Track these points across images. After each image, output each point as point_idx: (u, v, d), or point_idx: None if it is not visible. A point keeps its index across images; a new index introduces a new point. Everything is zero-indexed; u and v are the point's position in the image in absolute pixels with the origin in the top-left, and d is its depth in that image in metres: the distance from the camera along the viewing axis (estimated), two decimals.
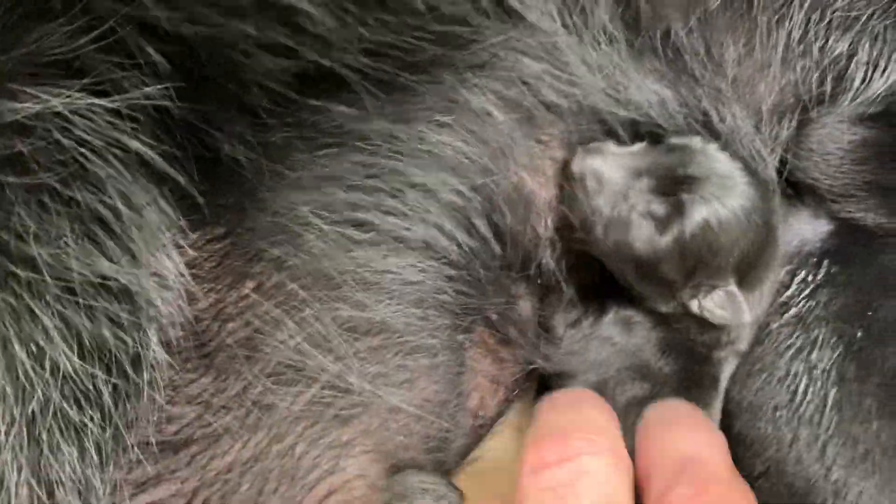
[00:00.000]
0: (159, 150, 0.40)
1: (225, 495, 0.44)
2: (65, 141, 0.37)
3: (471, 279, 0.48)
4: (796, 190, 0.59)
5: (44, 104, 0.36)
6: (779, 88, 0.56)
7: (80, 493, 0.37)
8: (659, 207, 0.49)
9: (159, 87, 0.38)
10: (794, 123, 0.56)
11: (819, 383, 0.53)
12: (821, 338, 0.54)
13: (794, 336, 0.54)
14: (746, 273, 0.51)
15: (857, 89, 0.56)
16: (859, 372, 0.53)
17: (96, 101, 0.37)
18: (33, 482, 0.35)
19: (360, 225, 0.45)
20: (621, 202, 0.49)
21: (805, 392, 0.53)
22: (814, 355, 0.54)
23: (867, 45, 0.56)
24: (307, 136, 0.44)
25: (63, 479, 0.36)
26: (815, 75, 0.56)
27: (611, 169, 0.50)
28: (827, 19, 0.55)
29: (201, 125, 0.42)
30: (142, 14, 0.39)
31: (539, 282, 0.53)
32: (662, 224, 0.48)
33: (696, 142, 0.51)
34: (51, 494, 0.36)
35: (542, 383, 0.56)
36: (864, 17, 0.56)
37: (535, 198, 0.51)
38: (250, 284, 0.45)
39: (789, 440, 0.53)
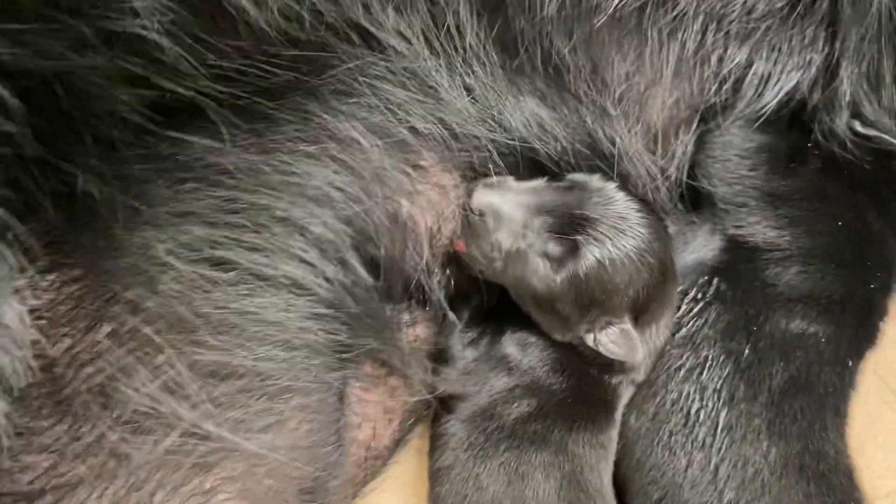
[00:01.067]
0: (7, 178, 0.38)
1: None
2: None
3: (343, 315, 0.47)
4: (694, 206, 0.57)
5: None
6: (672, 102, 0.54)
7: None
8: (555, 248, 0.49)
9: (12, 127, 0.36)
10: (690, 136, 0.55)
11: (710, 404, 0.53)
12: (710, 357, 0.53)
13: (685, 357, 0.54)
14: (642, 311, 0.51)
15: (750, 99, 0.55)
16: (747, 391, 0.53)
17: None
18: None
19: (219, 264, 0.44)
20: (520, 239, 0.49)
21: (697, 414, 0.53)
22: (704, 376, 0.53)
23: (764, 56, 0.55)
24: (165, 169, 0.43)
25: None
26: (714, 85, 0.55)
27: (510, 206, 0.49)
28: (724, 30, 0.54)
29: (56, 161, 0.41)
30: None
31: (426, 308, 0.52)
32: (558, 263, 0.49)
33: (594, 180, 0.51)
34: None
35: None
36: (761, 29, 0.54)
37: (415, 225, 0.49)
38: (105, 329, 0.43)
39: (684, 465, 0.52)
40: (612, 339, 0.50)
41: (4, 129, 0.39)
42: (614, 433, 0.54)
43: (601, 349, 0.50)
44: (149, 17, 0.39)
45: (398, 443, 0.54)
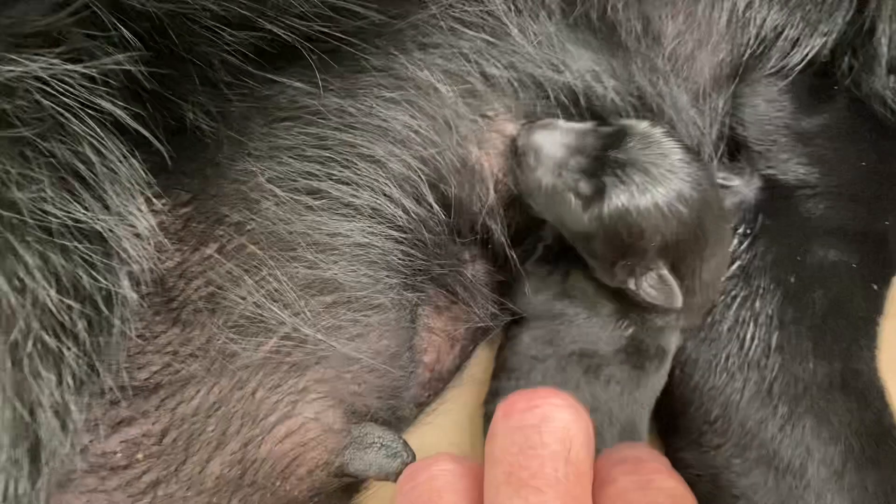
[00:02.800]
0: (130, 112, 0.44)
1: (192, 436, 0.48)
2: (44, 101, 0.42)
3: (418, 243, 0.53)
4: (734, 150, 0.63)
5: (24, 68, 0.41)
6: (718, 61, 0.60)
7: (58, 414, 0.41)
8: (585, 187, 0.52)
9: (127, 55, 0.43)
10: (730, 92, 0.60)
11: (763, 329, 0.57)
12: (762, 287, 0.58)
13: (739, 287, 0.58)
14: (677, 260, 0.54)
15: (777, 59, 0.60)
16: (795, 315, 0.57)
17: (71, 66, 0.42)
18: (16, 403, 0.40)
19: (313, 192, 0.50)
20: (556, 177, 0.53)
21: (752, 338, 0.57)
22: (757, 303, 0.57)
23: (797, 20, 0.60)
24: (264, 108, 0.49)
25: (43, 402, 0.41)
26: (753, 47, 0.60)
27: (551, 145, 0.53)
28: None
29: (168, 94, 0.47)
30: None
31: (488, 247, 0.58)
32: (586, 203, 0.52)
33: (642, 125, 0.53)
34: (32, 414, 0.40)
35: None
36: None
37: (482, 169, 0.55)
38: (213, 246, 0.49)
39: (741, 385, 0.56)
40: (650, 283, 0.53)
41: (126, 66, 0.46)
42: (664, 369, 0.58)
43: (641, 293, 0.54)
44: None
45: (458, 367, 0.60)
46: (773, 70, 0.61)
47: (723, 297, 0.58)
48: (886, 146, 0.61)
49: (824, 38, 0.61)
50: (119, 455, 0.47)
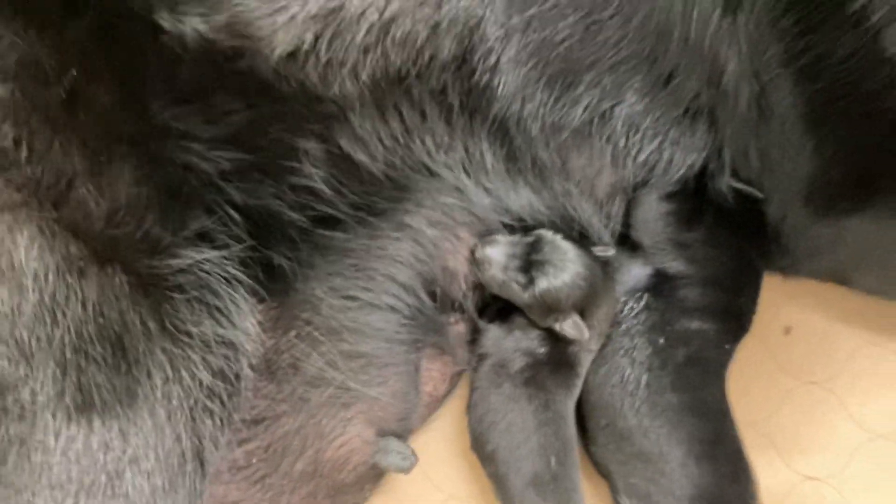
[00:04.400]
0: (244, 270, 0.76)
1: (285, 447, 0.81)
2: (199, 274, 0.73)
3: (416, 322, 0.84)
4: (632, 248, 0.92)
5: (191, 260, 0.72)
6: (611, 182, 0.88)
7: (213, 440, 0.73)
8: (522, 279, 0.84)
9: (241, 242, 0.74)
10: (622, 204, 0.89)
11: (638, 370, 0.87)
12: (638, 342, 0.88)
13: (622, 341, 0.88)
14: (583, 309, 0.85)
15: (661, 175, 0.88)
16: (661, 363, 0.87)
17: (214, 252, 0.74)
18: (193, 438, 0.71)
19: (351, 298, 0.81)
20: (503, 274, 0.85)
21: (629, 376, 0.87)
22: (634, 353, 0.87)
23: (668, 147, 0.88)
24: (320, 251, 0.80)
25: (205, 435, 0.72)
26: (637, 168, 0.88)
27: (496, 254, 0.84)
28: (641, 133, 0.87)
29: (263, 249, 0.79)
30: (231, 197, 0.75)
31: (463, 314, 0.89)
32: (524, 288, 0.84)
33: (548, 235, 0.85)
34: (201, 443, 0.72)
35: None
36: (664, 130, 0.87)
37: (457, 272, 0.86)
38: (293, 333, 0.81)
39: (620, 406, 0.87)
40: (567, 326, 0.84)
41: (236, 232, 0.77)
42: (579, 381, 0.88)
43: (563, 333, 0.84)
44: (315, 175, 0.76)
45: (448, 393, 0.92)
46: (659, 183, 0.89)
47: (612, 347, 0.88)
48: (740, 240, 0.90)
49: (694, 155, 0.89)
50: (242, 460, 0.80)
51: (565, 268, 0.83)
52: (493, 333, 0.90)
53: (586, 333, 0.85)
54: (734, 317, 0.89)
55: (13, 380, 0.66)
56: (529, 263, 0.84)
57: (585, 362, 0.89)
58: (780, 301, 0.98)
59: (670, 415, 0.85)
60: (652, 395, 0.86)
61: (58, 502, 0.66)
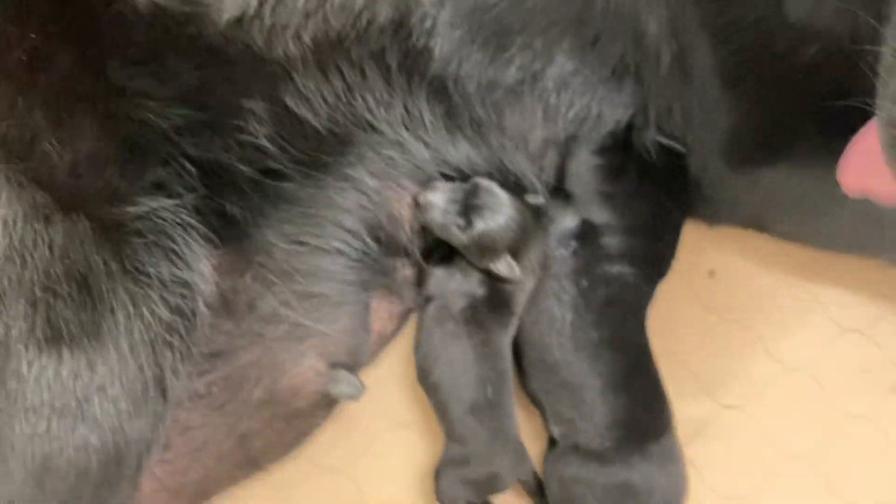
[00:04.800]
0: (198, 217, 0.83)
1: (242, 377, 0.89)
2: (156, 220, 0.81)
3: (364, 265, 0.92)
4: (563, 199, 0.99)
5: (147, 207, 0.80)
6: (542, 138, 0.95)
7: (174, 371, 0.80)
8: (461, 222, 0.91)
9: (194, 192, 0.82)
10: (554, 157, 0.96)
11: (563, 310, 0.94)
12: (565, 284, 0.95)
13: (552, 284, 0.96)
14: (516, 251, 0.93)
15: (590, 129, 0.95)
16: (585, 303, 0.94)
17: (170, 201, 0.81)
18: (154, 369, 0.79)
19: (301, 243, 0.89)
20: (444, 217, 0.92)
21: (556, 316, 0.95)
22: (561, 295, 0.95)
23: (595, 105, 0.94)
24: (271, 199, 0.88)
25: (166, 366, 0.79)
26: (567, 124, 0.95)
27: (437, 199, 0.92)
28: (571, 89, 0.93)
29: (215, 197, 0.86)
30: (185, 151, 0.82)
31: (409, 258, 0.96)
32: (462, 230, 0.92)
33: (484, 181, 0.93)
34: (162, 373, 0.79)
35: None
36: (592, 88, 0.94)
37: (402, 218, 0.94)
38: (248, 275, 0.89)
39: (547, 341, 0.95)
40: (501, 266, 0.92)
41: (189, 182, 0.84)
42: (514, 320, 0.96)
43: (497, 272, 0.92)
44: (261, 132, 0.83)
45: (396, 331, 0.99)
46: (589, 137, 0.97)
47: (542, 289, 0.95)
48: (660, 192, 0.98)
49: (620, 116, 0.96)
50: (203, 389, 0.89)
51: (500, 212, 0.91)
52: (438, 276, 0.98)
53: (518, 272, 0.93)
54: (652, 262, 0.97)
55: None
56: (468, 208, 0.91)
57: (520, 302, 0.97)
58: (705, 246, 1.06)
59: (591, 349, 0.93)
60: (575, 332, 0.94)
61: (32, 423, 0.74)
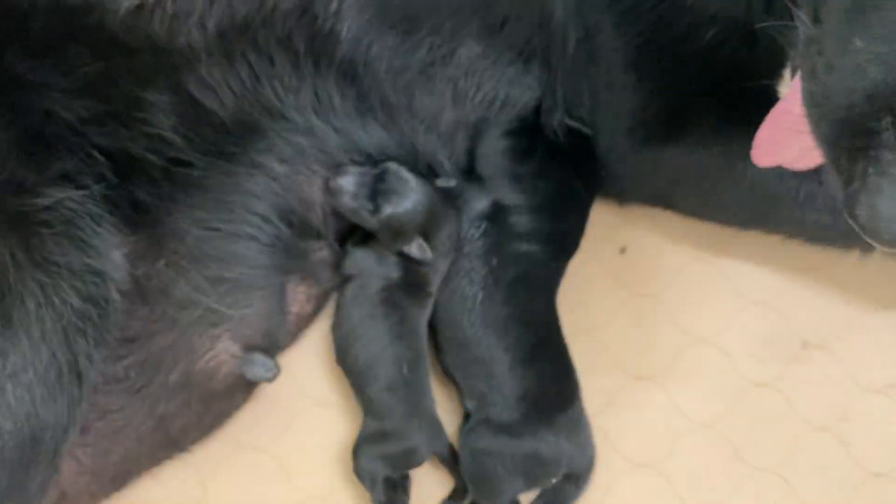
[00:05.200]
0: (108, 206, 0.84)
1: (159, 361, 0.91)
2: (64, 211, 0.82)
3: (276, 249, 0.94)
4: (474, 181, 1.02)
5: (55, 198, 0.80)
6: (452, 120, 0.98)
7: (88, 357, 0.81)
8: (369, 206, 0.94)
9: (102, 181, 0.83)
10: (464, 139, 0.99)
11: (474, 288, 0.98)
12: (476, 264, 0.98)
13: (464, 263, 0.99)
14: (426, 233, 0.95)
15: (498, 112, 0.98)
16: (493, 282, 0.98)
17: (77, 192, 0.82)
18: (67, 355, 0.80)
19: (213, 229, 0.90)
20: (353, 201, 0.94)
21: (468, 294, 0.98)
22: (472, 274, 0.98)
23: (503, 87, 0.97)
24: (182, 187, 0.89)
25: (80, 353, 0.80)
26: (476, 106, 0.98)
27: (346, 183, 0.94)
28: (479, 74, 0.96)
29: (126, 186, 0.87)
30: (91, 141, 0.83)
31: (323, 241, 0.98)
32: (371, 214, 0.94)
33: (393, 167, 0.95)
34: (76, 359, 0.81)
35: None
36: (500, 71, 0.96)
37: (313, 202, 0.95)
38: (161, 262, 0.90)
39: (459, 318, 0.98)
40: (413, 248, 0.95)
41: (98, 171, 0.85)
42: (430, 301, 0.99)
43: (410, 254, 0.95)
44: (165, 123, 0.84)
45: (315, 312, 1.02)
46: (498, 120, 0.99)
47: (454, 269, 0.98)
48: (568, 172, 1.01)
49: (528, 98, 0.98)
50: (121, 373, 0.90)
51: (407, 196, 0.94)
52: (355, 257, 1.00)
53: (429, 254, 0.96)
54: (559, 240, 1.01)
55: None
56: (376, 192, 0.94)
57: (435, 282, 1.00)
58: (617, 224, 1.09)
59: (499, 325, 0.97)
60: (485, 310, 0.97)
61: None
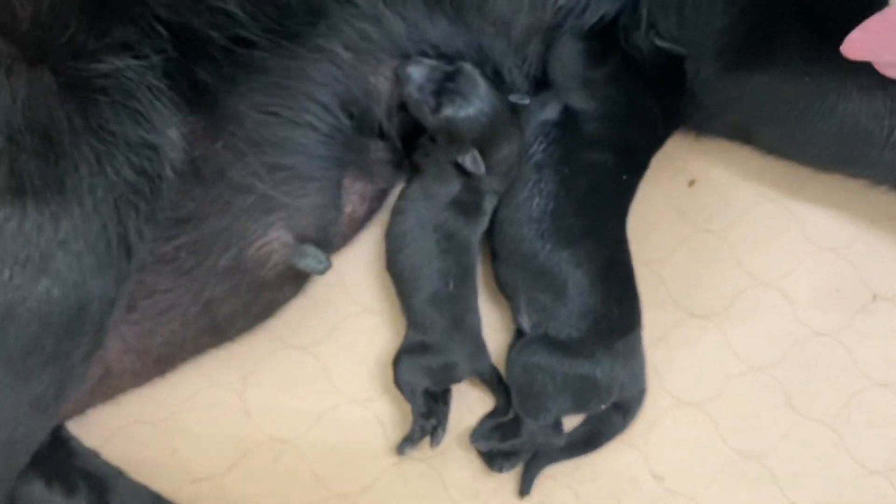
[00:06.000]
0: (168, 81, 0.82)
1: (211, 244, 0.89)
2: (123, 81, 0.80)
3: (336, 141, 0.91)
4: (545, 87, 0.97)
5: (112, 65, 0.78)
6: (526, 25, 0.93)
7: (139, 232, 0.80)
8: (432, 102, 0.90)
9: (162, 54, 0.80)
10: (537, 47, 0.94)
11: (545, 199, 0.94)
12: (546, 174, 0.95)
13: (532, 173, 0.95)
14: (483, 146, 0.91)
15: (574, 20, 0.93)
16: (565, 192, 0.93)
17: (136, 62, 0.80)
18: (119, 228, 0.79)
19: (273, 114, 0.88)
20: (418, 93, 0.90)
21: (536, 205, 0.94)
22: (542, 184, 0.94)
23: None
24: (244, 69, 0.86)
25: (130, 226, 0.79)
26: (552, 11, 0.93)
27: (415, 74, 0.90)
28: None
29: (190, 66, 0.84)
30: (154, 12, 0.80)
31: (383, 140, 0.95)
32: (432, 111, 0.90)
33: (467, 67, 0.91)
34: (126, 231, 0.79)
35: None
36: None
37: (379, 94, 0.92)
38: (219, 143, 0.88)
39: (526, 231, 0.94)
40: (467, 159, 0.91)
41: (159, 44, 0.83)
42: (484, 218, 0.95)
43: (463, 164, 0.91)
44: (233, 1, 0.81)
45: (370, 214, 0.99)
46: (573, 28, 0.94)
47: (523, 180, 0.95)
48: (642, 86, 0.96)
49: (606, 9, 0.93)
50: (171, 253, 0.89)
51: (472, 102, 0.90)
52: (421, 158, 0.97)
53: (482, 168, 0.92)
54: (629, 151, 0.96)
55: None
56: (442, 90, 0.90)
57: (490, 202, 0.96)
58: (689, 156, 1.05)
59: (571, 238, 0.93)
60: (556, 221, 0.93)
61: None
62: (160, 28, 0.81)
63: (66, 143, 0.76)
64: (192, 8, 0.82)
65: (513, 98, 0.93)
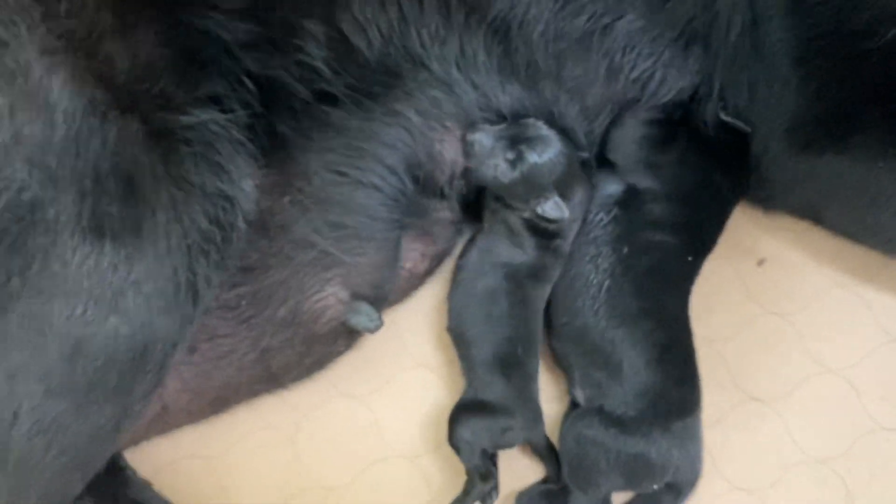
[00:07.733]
0: (247, 134, 0.86)
1: (270, 295, 0.92)
2: (206, 132, 0.84)
3: (398, 203, 0.93)
4: (607, 164, 0.98)
5: (198, 118, 0.83)
6: (600, 95, 0.94)
7: (206, 279, 0.83)
8: (510, 155, 0.91)
9: (247, 108, 0.84)
10: (606, 120, 0.95)
11: (600, 276, 0.94)
12: (604, 251, 0.95)
13: (590, 249, 0.95)
14: (563, 189, 0.92)
15: (650, 96, 0.93)
16: (623, 271, 0.93)
17: (222, 115, 0.84)
18: (188, 274, 0.82)
19: (341, 174, 0.91)
20: (491, 156, 0.92)
21: (592, 281, 0.94)
22: (599, 260, 0.94)
23: (660, 68, 0.93)
24: (319, 126, 0.90)
25: (199, 272, 0.82)
26: (629, 86, 0.94)
27: (484, 137, 0.92)
28: (636, 51, 0.92)
29: (269, 116, 0.88)
30: (243, 66, 0.85)
31: (445, 202, 0.97)
32: (512, 165, 0.91)
33: (534, 121, 0.92)
34: (195, 277, 0.82)
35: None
36: (659, 50, 0.92)
37: (442, 158, 0.94)
38: (287, 198, 0.91)
39: (581, 306, 0.94)
40: (549, 206, 0.92)
41: (245, 98, 0.87)
42: (549, 285, 0.96)
43: (545, 213, 0.91)
44: (317, 54, 0.85)
45: (429, 272, 1.01)
46: (648, 104, 0.94)
47: (579, 254, 0.95)
48: (709, 164, 0.95)
49: (684, 84, 0.94)
50: (233, 301, 0.92)
51: (550, 144, 0.91)
52: (490, 221, 0.98)
53: (566, 212, 0.92)
54: (695, 232, 0.95)
55: (42, 199, 0.77)
56: (518, 142, 0.92)
57: (557, 267, 0.96)
58: (760, 233, 1.03)
59: (628, 318, 0.92)
60: (612, 299, 0.93)
61: (70, 306, 0.78)
62: (248, 82, 0.86)
63: (147, 189, 0.80)
64: (281, 62, 0.86)
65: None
